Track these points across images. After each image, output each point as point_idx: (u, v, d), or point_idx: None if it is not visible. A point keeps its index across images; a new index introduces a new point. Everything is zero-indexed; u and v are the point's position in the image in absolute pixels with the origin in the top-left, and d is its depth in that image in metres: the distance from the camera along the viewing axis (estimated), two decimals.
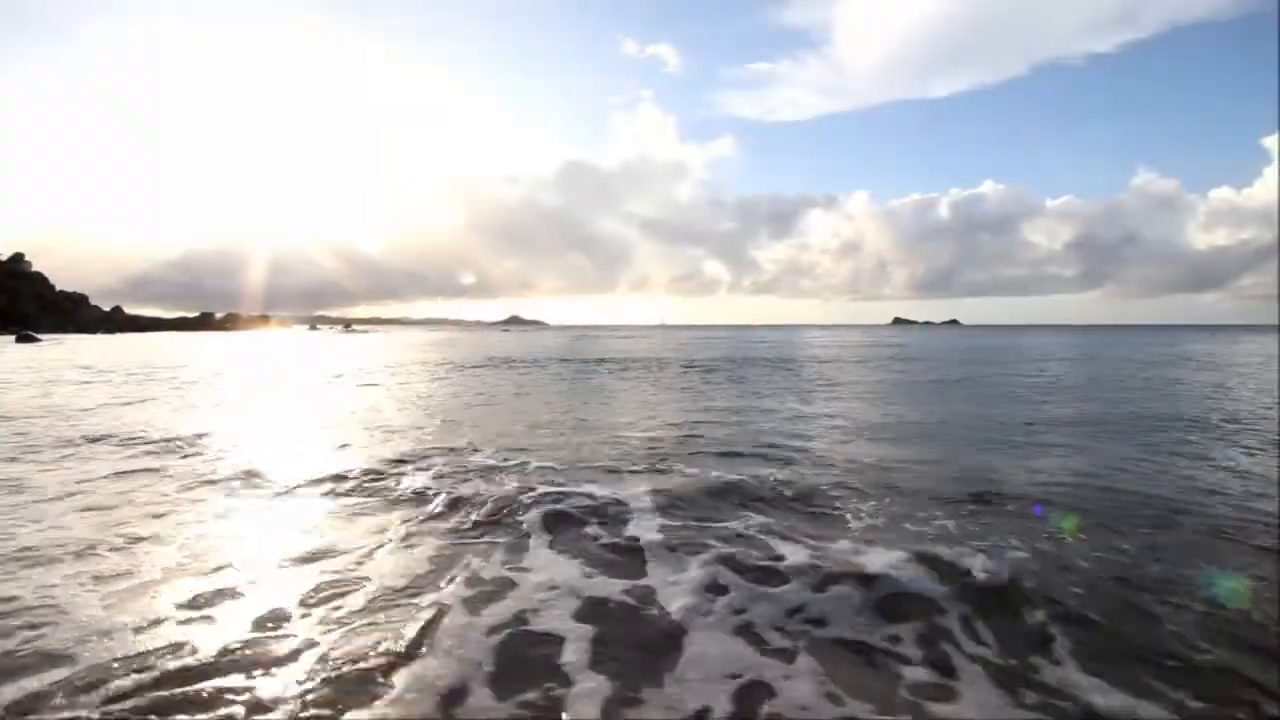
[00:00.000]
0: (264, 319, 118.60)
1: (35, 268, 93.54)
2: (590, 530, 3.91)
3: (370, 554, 3.53)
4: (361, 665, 2.40)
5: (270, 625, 2.73)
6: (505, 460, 5.96)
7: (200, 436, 7.29)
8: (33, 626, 2.67)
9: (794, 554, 3.40)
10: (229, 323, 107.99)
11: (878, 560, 3.28)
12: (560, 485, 4.83)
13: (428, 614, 2.79)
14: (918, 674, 2.43)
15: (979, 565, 3.24)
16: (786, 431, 7.49)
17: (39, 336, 54.94)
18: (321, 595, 3.02)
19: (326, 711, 2.16)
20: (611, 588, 3.05)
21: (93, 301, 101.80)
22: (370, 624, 2.70)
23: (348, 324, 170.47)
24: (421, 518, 4.18)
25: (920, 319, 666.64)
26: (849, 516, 4.20)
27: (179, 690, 2.25)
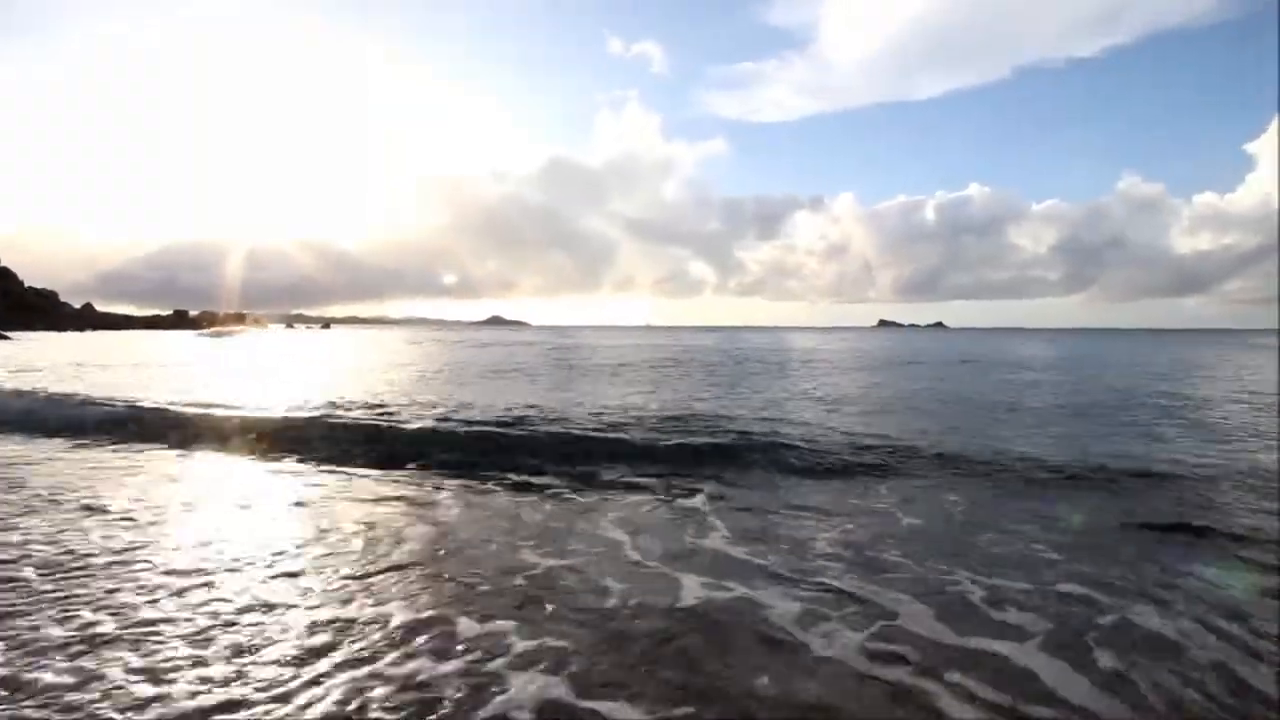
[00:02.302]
0: (239, 317, 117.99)
1: (3, 263, 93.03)
2: None
3: None
4: None
5: None
6: None
7: None
8: None
9: None
10: (204, 321, 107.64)
11: None
12: None
13: None
14: None
15: None
16: None
17: (9, 334, 54.77)
18: None
19: None
20: None
21: (63, 298, 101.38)
22: None
23: (326, 323, 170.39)
24: None
25: (906, 322, 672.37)
26: None
27: None
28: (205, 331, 77.44)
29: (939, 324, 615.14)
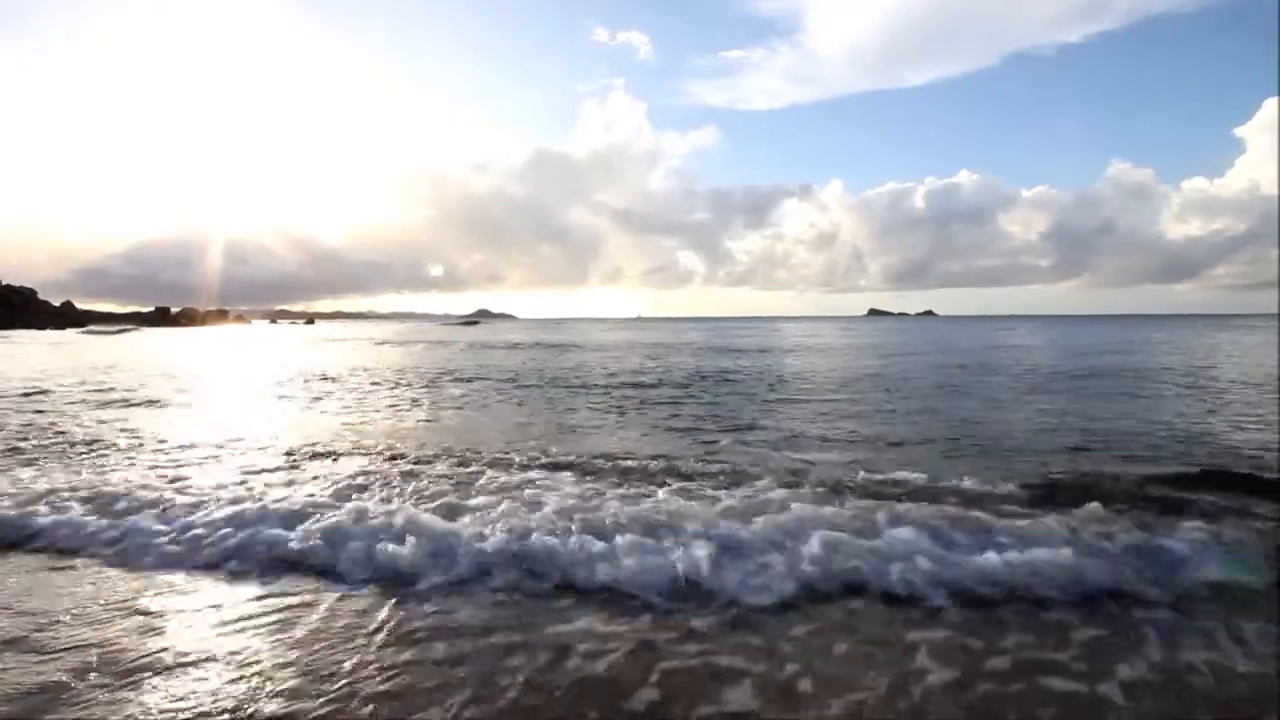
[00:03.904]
0: (222, 313, 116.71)
1: None
2: None
3: None
4: None
5: None
6: None
7: None
8: None
9: None
10: (185, 318, 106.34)
11: None
12: None
13: None
14: None
15: None
16: None
17: None
18: None
19: None
20: None
21: (41, 296, 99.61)
22: None
23: (310, 319, 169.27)
24: None
25: (896, 310, 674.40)
26: None
27: None
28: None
29: (929, 312, 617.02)
